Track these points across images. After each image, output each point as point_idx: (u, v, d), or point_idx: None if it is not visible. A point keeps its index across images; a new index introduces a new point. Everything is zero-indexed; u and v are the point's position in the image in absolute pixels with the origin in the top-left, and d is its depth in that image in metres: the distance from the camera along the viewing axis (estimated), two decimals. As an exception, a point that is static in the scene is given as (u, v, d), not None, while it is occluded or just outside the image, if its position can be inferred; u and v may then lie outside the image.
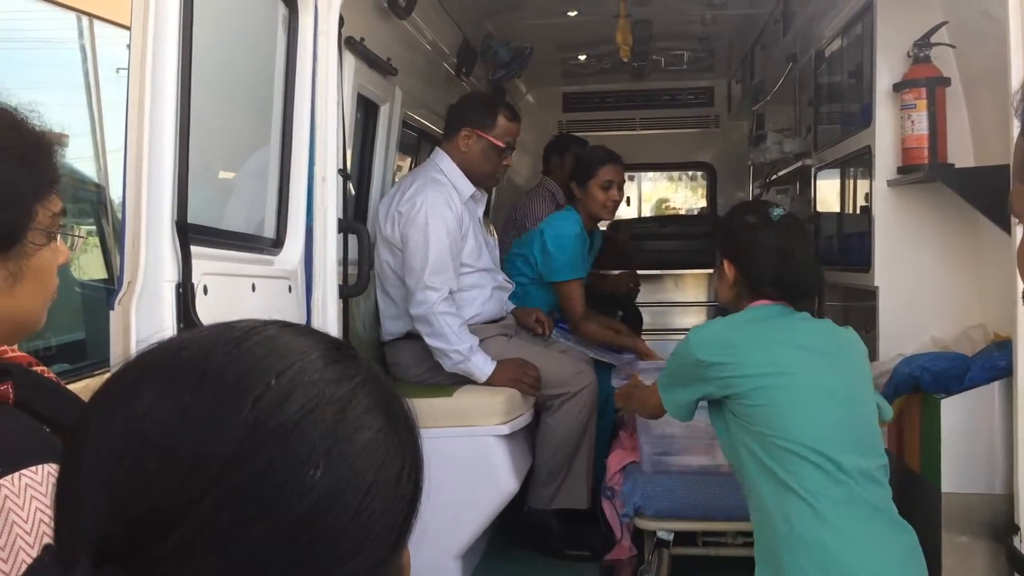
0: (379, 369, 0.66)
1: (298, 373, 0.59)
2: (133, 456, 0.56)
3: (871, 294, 3.24)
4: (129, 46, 1.63)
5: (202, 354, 0.60)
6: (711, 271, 6.07)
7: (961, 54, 2.96)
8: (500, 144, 3.49)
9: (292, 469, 0.56)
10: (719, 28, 4.91)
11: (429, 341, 3.27)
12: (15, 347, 0.94)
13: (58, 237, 1.06)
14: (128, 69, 1.60)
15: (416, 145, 4.69)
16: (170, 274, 1.66)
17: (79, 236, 1.16)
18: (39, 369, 0.98)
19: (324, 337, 0.64)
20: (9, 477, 0.84)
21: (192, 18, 1.67)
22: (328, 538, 0.56)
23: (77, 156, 6.09)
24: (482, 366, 3.28)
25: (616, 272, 5.20)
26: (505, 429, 3.16)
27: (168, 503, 0.54)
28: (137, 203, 1.62)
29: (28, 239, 0.98)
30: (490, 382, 3.27)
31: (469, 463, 3.13)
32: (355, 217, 3.59)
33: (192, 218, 1.82)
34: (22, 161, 0.97)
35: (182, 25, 1.66)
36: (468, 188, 3.49)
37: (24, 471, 0.85)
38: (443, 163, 3.50)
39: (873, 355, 3.18)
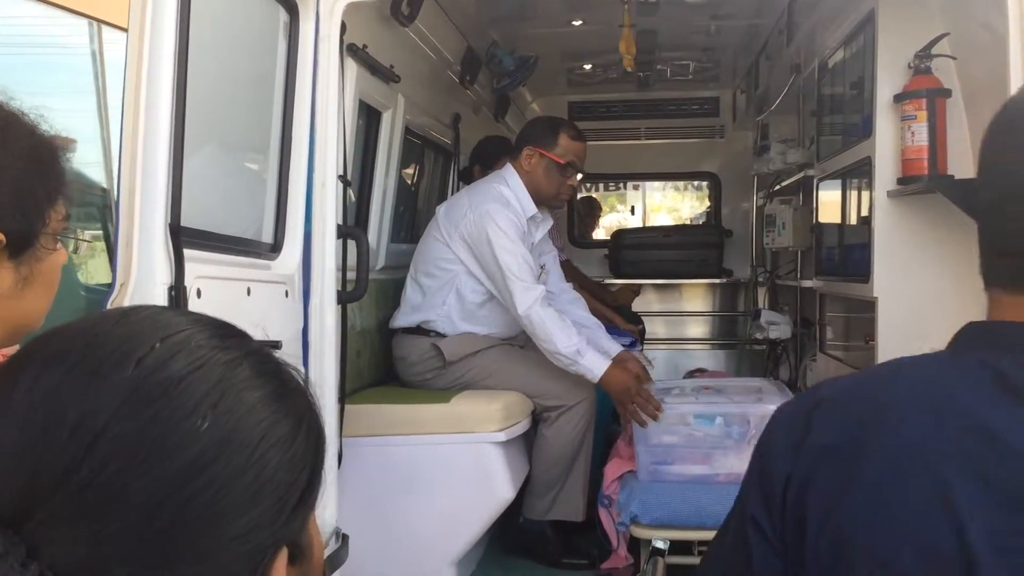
0: (269, 349, 0.67)
1: (184, 339, 0.61)
2: (20, 420, 0.56)
3: (870, 305, 3.23)
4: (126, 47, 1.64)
5: (86, 328, 0.61)
6: (716, 280, 6.07)
7: (962, 65, 2.96)
8: (561, 161, 3.57)
9: (178, 420, 0.57)
10: (723, 39, 4.91)
11: (539, 344, 3.30)
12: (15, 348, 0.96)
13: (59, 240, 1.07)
14: (124, 70, 1.61)
15: (420, 153, 4.70)
16: (162, 276, 1.67)
17: (83, 240, 1.21)
18: None
19: (212, 319, 0.65)
20: None
21: (188, 21, 1.69)
22: (217, 488, 0.57)
23: (86, 161, 6.13)
24: (592, 367, 3.26)
25: (619, 283, 5.21)
26: (502, 436, 3.16)
27: (55, 460, 0.55)
28: (131, 205, 1.63)
29: (40, 244, 1.00)
30: (601, 384, 3.28)
31: (466, 470, 3.14)
32: (356, 223, 3.61)
33: (188, 222, 1.83)
34: (39, 168, 0.99)
35: (178, 27, 1.68)
36: (531, 207, 3.55)
37: None
38: (510, 178, 3.59)
39: (871, 364, 3.17)
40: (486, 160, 4.30)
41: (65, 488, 0.54)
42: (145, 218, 1.63)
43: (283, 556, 0.62)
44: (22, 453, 0.55)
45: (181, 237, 1.69)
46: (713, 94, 6.06)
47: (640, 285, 5.15)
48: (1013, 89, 2.27)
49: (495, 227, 3.35)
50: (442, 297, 3.47)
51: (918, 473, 0.88)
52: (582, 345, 3.29)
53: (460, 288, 3.46)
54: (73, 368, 0.58)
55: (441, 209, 3.58)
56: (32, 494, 0.54)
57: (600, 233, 6.81)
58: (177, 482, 0.56)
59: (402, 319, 3.54)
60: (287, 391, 0.63)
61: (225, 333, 0.64)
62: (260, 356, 0.64)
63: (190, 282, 1.73)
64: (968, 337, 0.97)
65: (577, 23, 4.58)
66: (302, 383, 0.66)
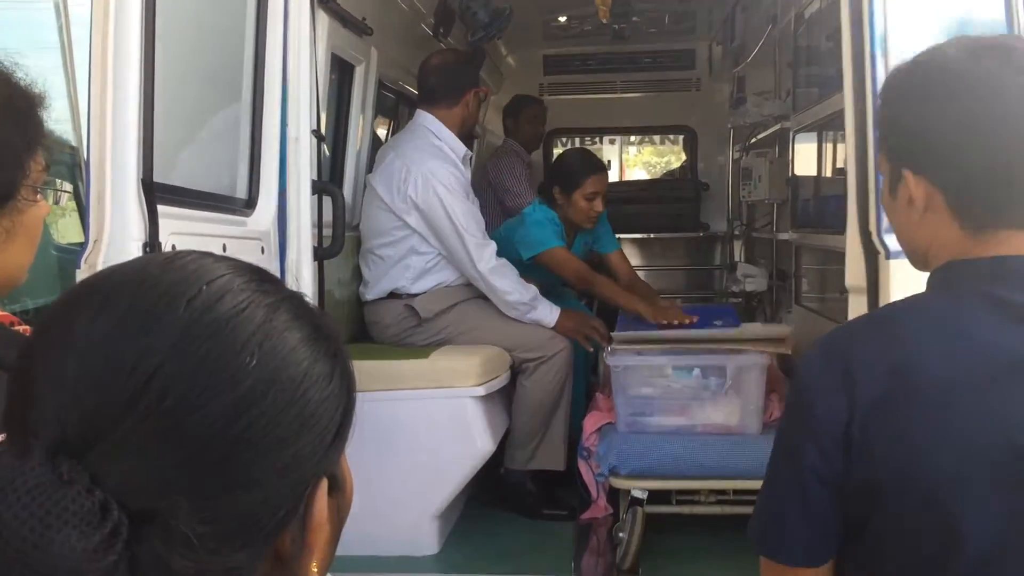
0: (302, 295, 0.70)
1: (227, 282, 0.64)
2: (80, 359, 0.59)
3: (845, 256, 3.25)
4: None
5: (135, 271, 0.65)
6: (692, 234, 6.08)
7: (937, 15, 2.95)
8: (485, 91, 3.78)
9: (229, 357, 0.61)
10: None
11: (496, 297, 3.41)
12: None
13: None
14: (90, 24, 1.57)
15: (395, 107, 4.64)
16: (136, 233, 1.65)
17: (63, 191, 1.24)
18: (22, 329, 0.97)
19: (248, 264, 0.69)
20: None
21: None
22: (267, 421, 0.61)
23: (54, 119, 5.99)
24: (548, 314, 3.46)
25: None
26: (481, 391, 3.18)
27: (116, 395, 0.58)
28: (102, 161, 1.60)
29: (21, 195, 0.98)
30: (556, 328, 3.47)
31: (446, 424, 3.15)
32: (331, 178, 3.57)
33: (161, 178, 1.80)
34: (16, 117, 0.97)
35: (145, -22, 1.64)
36: (462, 148, 3.57)
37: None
38: (433, 126, 3.54)
39: (845, 316, 3.20)
40: (568, 179, 3.89)
41: (126, 421, 0.58)
42: (117, 174, 1.60)
43: (324, 486, 0.66)
44: (84, 388, 0.58)
45: (154, 193, 1.67)
46: (689, 46, 6.01)
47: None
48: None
49: (443, 188, 3.34)
50: (404, 263, 3.45)
51: (959, 400, 1.06)
52: (536, 291, 3.47)
53: (417, 248, 3.44)
54: (128, 310, 0.61)
55: (374, 178, 3.48)
56: (94, 426, 0.58)
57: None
58: (230, 415, 0.59)
59: (371, 292, 3.51)
60: (322, 334, 0.67)
61: (262, 278, 0.67)
62: (295, 300, 0.67)
63: (164, 238, 1.71)
64: (964, 274, 1.13)
65: (552, -26, 4.52)
66: (330, 323, 0.70)
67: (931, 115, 1.12)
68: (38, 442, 0.57)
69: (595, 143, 7.36)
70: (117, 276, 0.65)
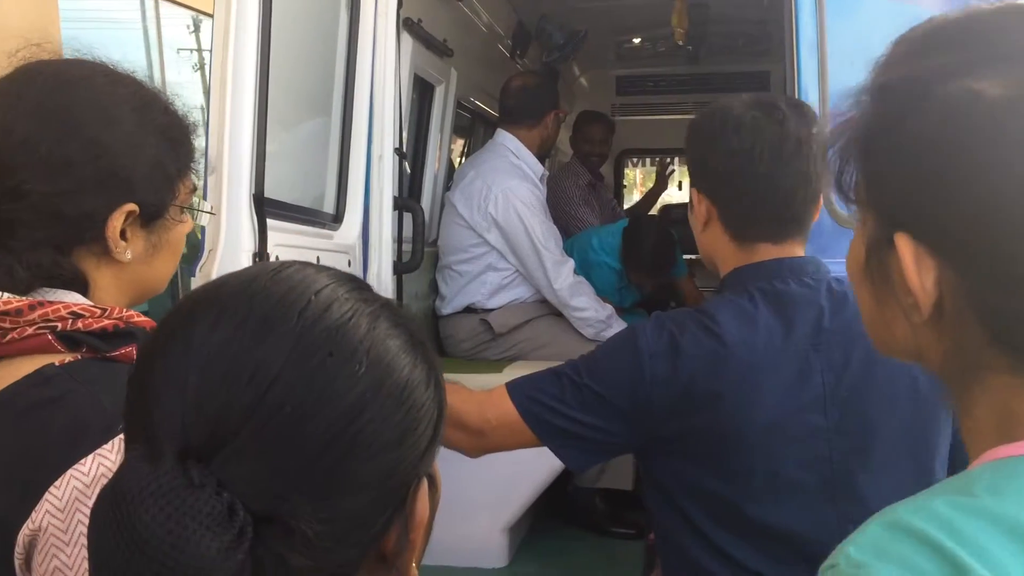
0: (395, 302, 0.73)
1: (332, 291, 0.67)
2: (200, 369, 0.62)
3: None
4: (192, 28, 1.70)
5: (246, 283, 0.67)
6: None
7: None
8: (565, 112, 3.83)
9: (340, 365, 0.63)
10: (776, 12, 4.85)
11: (571, 314, 3.45)
12: (140, 313, 1.03)
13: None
14: (211, 52, 1.67)
15: (470, 126, 4.74)
16: (248, 244, 1.75)
17: (210, 212, 1.35)
18: None
19: (344, 273, 0.71)
20: None
21: (271, 3, 1.75)
22: (375, 426, 0.64)
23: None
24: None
25: None
26: (554, 406, 3.20)
27: (237, 403, 0.61)
28: (219, 177, 1.70)
29: (169, 215, 1.07)
30: None
31: (518, 438, 3.18)
32: (410, 195, 3.66)
33: (267, 193, 1.90)
34: (172, 143, 1.06)
35: (262, 10, 1.74)
36: (539, 167, 3.65)
37: None
38: (512, 145, 3.62)
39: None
40: (627, 251, 3.94)
41: (247, 428, 0.60)
42: (232, 189, 1.71)
43: (424, 486, 0.69)
44: (206, 397, 0.61)
45: (264, 207, 1.76)
46: (764, 68, 5.99)
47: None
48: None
49: (523, 205, 3.40)
50: (481, 279, 3.52)
51: (757, 371, 1.38)
52: (611, 311, 3.49)
53: (495, 264, 3.51)
54: (244, 321, 0.63)
55: (453, 195, 3.56)
56: (218, 433, 0.60)
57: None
58: (343, 421, 0.62)
59: (447, 306, 3.59)
60: (416, 340, 0.70)
61: (360, 286, 0.70)
62: (391, 308, 0.70)
63: (271, 249, 1.81)
64: (752, 274, 1.46)
65: (629, -4, 4.57)
66: (421, 330, 0.72)
67: (714, 149, 1.51)
68: (166, 447, 0.60)
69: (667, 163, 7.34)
70: (229, 287, 0.67)
